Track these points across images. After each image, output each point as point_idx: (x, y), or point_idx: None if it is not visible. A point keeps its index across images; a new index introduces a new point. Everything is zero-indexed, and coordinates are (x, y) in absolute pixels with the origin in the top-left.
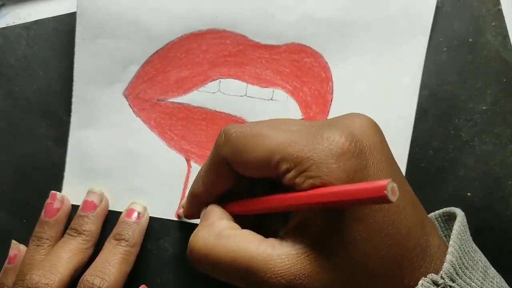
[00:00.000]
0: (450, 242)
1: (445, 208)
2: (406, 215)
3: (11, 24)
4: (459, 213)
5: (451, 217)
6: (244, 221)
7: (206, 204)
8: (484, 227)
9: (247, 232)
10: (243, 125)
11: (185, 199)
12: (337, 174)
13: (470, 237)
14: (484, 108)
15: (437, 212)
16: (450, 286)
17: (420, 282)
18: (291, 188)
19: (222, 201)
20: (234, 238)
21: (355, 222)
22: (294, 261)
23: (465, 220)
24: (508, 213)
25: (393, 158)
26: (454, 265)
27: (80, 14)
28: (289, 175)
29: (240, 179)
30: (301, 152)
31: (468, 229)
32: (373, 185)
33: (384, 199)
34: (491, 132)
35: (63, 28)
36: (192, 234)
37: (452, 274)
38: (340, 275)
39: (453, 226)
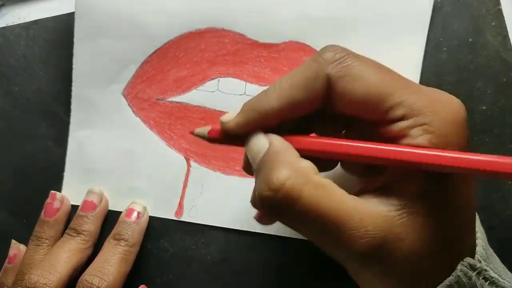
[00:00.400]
0: (476, 229)
1: None
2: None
3: (10, 24)
4: (480, 228)
5: None
6: None
7: (262, 132)
8: (484, 227)
9: (335, 184)
10: (353, 52)
11: (231, 112)
12: (455, 139)
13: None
14: (484, 108)
15: None
16: (485, 271)
17: (459, 267)
18: (386, 138)
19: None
20: (325, 186)
21: (460, 186)
22: (388, 223)
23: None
24: (508, 213)
25: None
26: (485, 249)
27: (79, 14)
28: (404, 123)
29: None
30: (423, 104)
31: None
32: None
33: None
34: (491, 132)
35: (63, 28)
36: (270, 174)
37: (486, 258)
38: (432, 240)
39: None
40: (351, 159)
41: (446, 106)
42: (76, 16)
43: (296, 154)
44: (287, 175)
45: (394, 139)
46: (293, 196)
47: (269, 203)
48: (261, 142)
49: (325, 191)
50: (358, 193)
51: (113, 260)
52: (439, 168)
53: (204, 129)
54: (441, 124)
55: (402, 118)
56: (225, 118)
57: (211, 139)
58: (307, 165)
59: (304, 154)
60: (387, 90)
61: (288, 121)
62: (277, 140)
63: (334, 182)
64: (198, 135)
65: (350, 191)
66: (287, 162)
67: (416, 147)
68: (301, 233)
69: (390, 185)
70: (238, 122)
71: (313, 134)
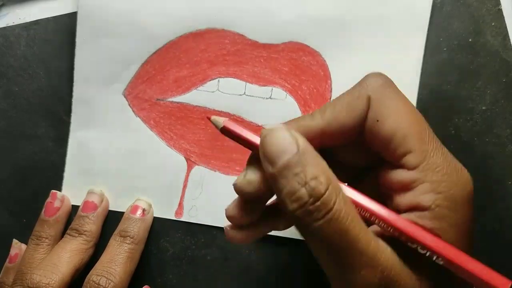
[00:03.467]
0: None
1: None
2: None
3: (11, 24)
4: None
5: None
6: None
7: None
8: (484, 227)
9: (357, 215)
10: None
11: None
12: (463, 210)
13: None
14: (484, 108)
15: None
16: None
17: None
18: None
19: None
20: (349, 213)
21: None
22: (392, 275)
23: None
24: (508, 213)
25: None
26: None
27: (81, 15)
28: (411, 175)
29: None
30: (441, 162)
31: None
32: (500, 281)
33: None
34: (491, 132)
35: (63, 28)
36: (305, 174)
37: None
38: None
39: None
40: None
41: (460, 175)
42: (78, 16)
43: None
44: (327, 183)
45: (397, 188)
46: (327, 207)
47: (302, 212)
48: (285, 137)
49: (350, 218)
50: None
51: (120, 260)
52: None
53: (221, 119)
54: (451, 187)
55: (413, 168)
56: (267, 125)
57: (225, 130)
58: (345, 189)
59: None
60: (416, 132)
61: (328, 146)
62: (304, 141)
63: None
64: (213, 122)
65: None
66: (322, 167)
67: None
68: (316, 249)
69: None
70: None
71: None
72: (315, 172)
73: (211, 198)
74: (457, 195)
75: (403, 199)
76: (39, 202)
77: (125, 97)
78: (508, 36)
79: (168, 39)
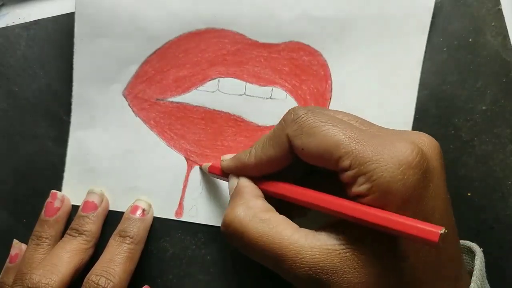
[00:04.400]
0: (473, 278)
1: (460, 241)
2: (448, 244)
3: (11, 24)
4: (477, 249)
5: (463, 251)
6: (268, 198)
7: (237, 176)
8: (484, 227)
9: (282, 218)
10: (313, 109)
11: (228, 155)
12: (398, 186)
13: (485, 275)
14: (484, 108)
15: None
16: None
17: None
18: (339, 183)
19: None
20: (269, 222)
21: (398, 237)
22: (325, 256)
23: (483, 258)
24: (508, 213)
25: (446, 186)
26: None
27: (79, 15)
28: (350, 173)
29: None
30: (368, 153)
31: (484, 267)
32: (429, 228)
33: (433, 244)
34: (491, 132)
35: (63, 28)
36: (227, 211)
37: None
38: (368, 283)
39: (465, 259)
40: (298, 203)
41: (391, 155)
42: (76, 16)
43: (255, 194)
44: (237, 213)
45: (347, 186)
46: (239, 230)
47: (225, 235)
48: (232, 182)
49: (269, 226)
50: (320, 226)
51: (119, 260)
52: (357, 221)
53: (206, 165)
54: (381, 172)
55: (349, 168)
56: (224, 157)
57: (210, 173)
58: (258, 204)
59: (269, 194)
60: (334, 143)
61: (269, 173)
62: (242, 181)
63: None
64: (203, 169)
65: None
66: (242, 202)
67: (342, 199)
68: (256, 260)
69: (342, 223)
70: (228, 164)
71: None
72: (234, 208)
73: (211, 198)
74: (388, 178)
75: (351, 192)
76: (39, 202)
77: (125, 97)
78: (508, 36)
79: (167, 39)
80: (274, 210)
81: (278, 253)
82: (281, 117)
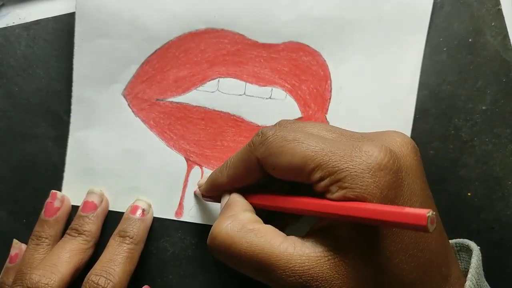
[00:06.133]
0: (469, 276)
1: (457, 239)
2: (432, 240)
3: (11, 24)
4: (475, 247)
5: (463, 249)
6: (260, 211)
7: (229, 192)
8: (484, 227)
9: (270, 228)
10: (281, 128)
11: (203, 179)
12: (371, 189)
13: (483, 273)
14: (484, 108)
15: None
16: None
17: None
18: (319, 194)
19: (243, 190)
20: (257, 233)
21: (382, 237)
22: (314, 263)
23: (480, 255)
24: (508, 213)
25: (427, 183)
26: None
27: (79, 15)
28: (322, 184)
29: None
30: (337, 162)
31: (481, 264)
32: (414, 212)
33: (423, 228)
34: (491, 132)
35: (63, 28)
36: (215, 224)
37: None
38: (357, 286)
39: (463, 257)
40: (284, 211)
41: (360, 160)
42: (76, 16)
43: (243, 207)
44: (225, 225)
45: (324, 191)
46: (227, 242)
47: (211, 248)
48: (224, 199)
49: (257, 236)
50: (307, 233)
51: (119, 260)
52: (340, 218)
53: (197, 192)
54: (352, 178)
55: (321, 179)
56: (199, 182)
57: (204, 198)
58: (247, 215)
59: (257, 206)
60: (302, 159)
61: (242, 187)
62: (233, 196)
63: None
64: (197, 195)
65: None
66: (230, 214)
67: (319, 199)
68: (244, 273)
69: (327, 229)
70: (204, 189)
71: None
72: (221, 221)
73: None
74: (360, 183)
75: (330, 197)
76: (39, 202)
77: (124, 97)
78: (508, 36)
79: (167, 39)
80: (262, 221)
81: (267, 263)
82: (275, 122)
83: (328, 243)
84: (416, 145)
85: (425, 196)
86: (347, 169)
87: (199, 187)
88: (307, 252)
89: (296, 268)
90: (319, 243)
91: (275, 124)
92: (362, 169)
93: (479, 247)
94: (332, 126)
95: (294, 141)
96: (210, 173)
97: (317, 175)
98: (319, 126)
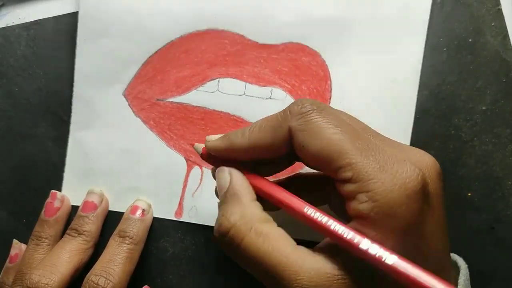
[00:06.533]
0: None
1: None
2: (441, 265)
3: (11, 24)
4: (462, 264)
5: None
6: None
7: (227, 167)
8: (484, 227)
9: (280, 234)
10: (322, 105)
11: (215, 136)
12: (402, 210)
13: None
14: (484, 108)
15: None
16: None
17: None
18: (336, 193)
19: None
20: (268, 238)
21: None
22: (323, 280)
23: (468, 273)
24: (508, 213)
25: (443, 205)
26: None
27: (82, 15)
28: (350, 186)
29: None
30: (373, 169)
31: (469, 284)
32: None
33: None
34: (491, 132)
35: (63, 28)
36: (223, 217)
37: None
38: None
39: (451, 273)
40: (293, 215)
41: (397, 176)
42: (79, 17)
43: (250, 197)
44: (234, 222)
45: (345, 198)
46: (236, 241)
47: (219, 243)
48: (224, 178)
49: (266, 239)
50: (318, 245)
51: (118, 260)
52: (360, 256)
53: (200, 146)
54: (386, 194)
55: (349, 180)
56: (209, 137)
57: (202, 155)
58: (256, 212)
59: (259, 193)
60: (339, 150)
61: (258, 160)
62: (236, 179)
63: None
64: (195, 149)
65: None
66: (238, 209)
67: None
68: (248, 270)
69: (337, 247)
70: (216, 145)
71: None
72: (229, 210)
73: (211, 198)
74: (393, 201)
75: (350, 207)
76: (39, 202)
77: (125, 97)
78: (508, 36)
79: (168, 40)
80: (272, 220)
81: (274, 271)
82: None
83: (341, 261)
84: (439, 167)
85: (444, 221)
86: (383, 181)
87: (206, 141)
88: (316, 268)
89: (304, 283)
90: (330, 260)
91: (308, 100)
92: (398, 187)
93: (466, 265)
94: (364, 124)
95: (336, 127)
96: (227, 133)
97: (347, 174)
98: (355, 121)
